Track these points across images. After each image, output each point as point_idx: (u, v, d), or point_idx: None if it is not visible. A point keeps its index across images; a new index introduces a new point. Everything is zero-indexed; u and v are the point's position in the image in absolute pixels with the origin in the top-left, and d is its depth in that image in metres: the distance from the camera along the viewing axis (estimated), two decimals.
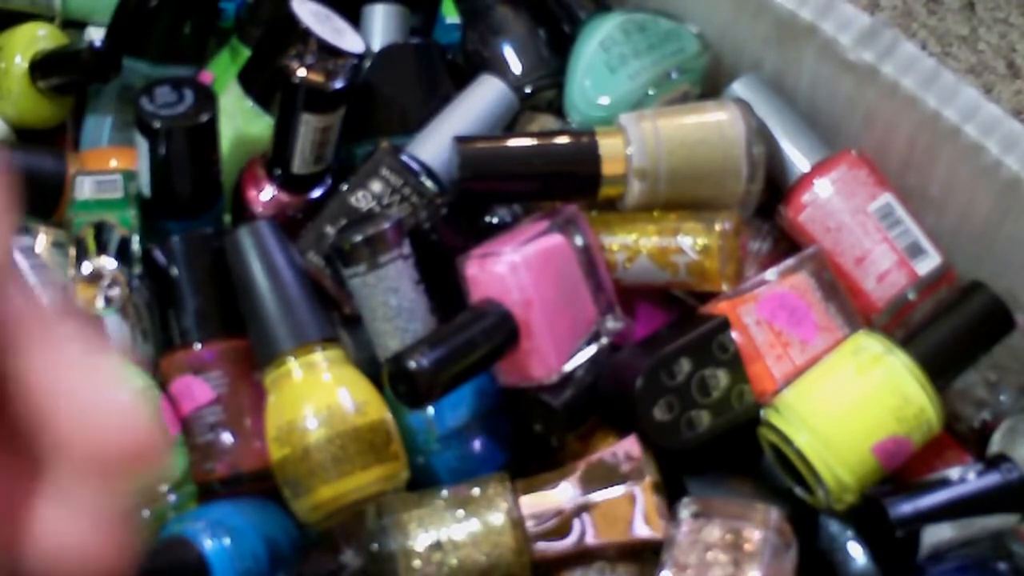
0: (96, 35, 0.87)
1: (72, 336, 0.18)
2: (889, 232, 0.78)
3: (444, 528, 0.70)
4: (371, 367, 0.75)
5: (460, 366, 0.69)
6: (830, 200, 0.78)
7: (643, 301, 0.81)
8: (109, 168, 0.82)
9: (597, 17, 0.86)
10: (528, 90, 0.84)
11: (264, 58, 0.83)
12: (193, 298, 0.75)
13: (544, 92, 0.85)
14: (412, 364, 0.67)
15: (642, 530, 0.70)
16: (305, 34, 0.78)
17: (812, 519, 0.75)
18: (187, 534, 0.69)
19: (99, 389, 0.18)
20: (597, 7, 0.88)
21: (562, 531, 0.71)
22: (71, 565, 0.18)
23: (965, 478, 0.72)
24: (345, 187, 0.78)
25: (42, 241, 0.76)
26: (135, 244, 0.76)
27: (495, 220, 0.80)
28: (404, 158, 0.78)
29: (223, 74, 0.87)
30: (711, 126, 0.78)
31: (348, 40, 0.80)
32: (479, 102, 0.82)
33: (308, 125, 0.77)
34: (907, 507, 0.71)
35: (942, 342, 0.74)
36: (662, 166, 0.77)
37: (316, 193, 0.81)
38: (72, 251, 0.75)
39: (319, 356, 0.72)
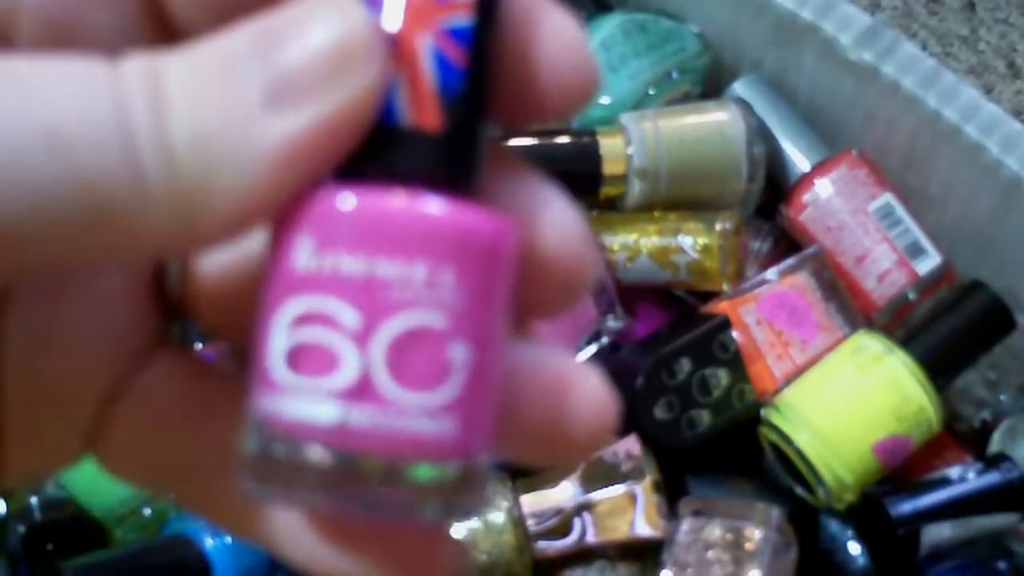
0: None
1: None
2: (889, 232, 0.78)
3: None
4: None
5: None
6: (830, 200, 0.79)
7: (644, 300, 0.81)
8: None
9: (597, 17, 0.86)
10: None
11: None
12: None
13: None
14: None
15: (642, 529, 0.70)
16: None
17: (812, 518, 0.75)
18: (188, 532, 0.69)
19: (561, 37, 0.21)
20: (597, 7, 0.88)
21: (563, 530, 0.71)
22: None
23: (965, 477, 0.72)
24: None
25: None
26: None
27: None
28: None
29: None
30: (711, 126, 0.78)
31: None
32: None
33: None
34: (907, 506, 0.72)
35: (942, 342, 0.75)
36: (663, 166, 0.77)
37: None
38: None
39: None
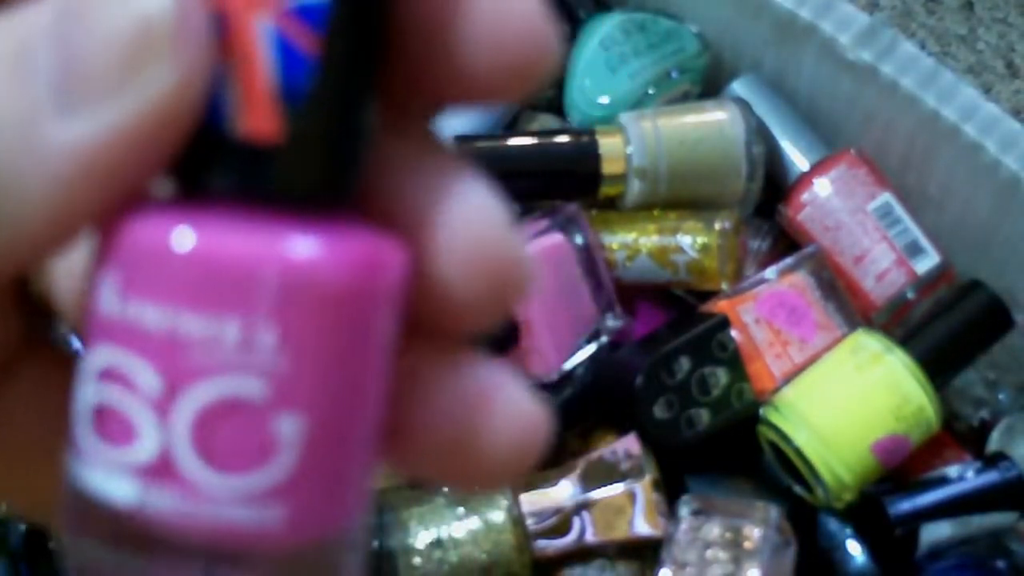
0: None
1: None
2: (888, 231, 0.78)
3: (444, 525, 0.70)
4: None
5: None
6: (829, 199, 0.79)
7: (643, 299, 0.81)
8: None
9: (597, 17, 0.86)
10: None
11: None
12: None
13: (544, 91, 0.86)
14: None
15: (642, 528, 0.71)
16: None
17: (811, 517, 0.75)
18: None
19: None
20: (597, 7, 0.88)
21: (562, 529, 0.71)
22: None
23: (964, 476, 0.72)
24: None
25: None
26: None
27: None
28: None
29: None
30: (711, 125, 0.78)
31: None
32: None
33: None
34: (906, 505, 0.72)
35: (941, 341, 0.75)
36: (662, 165, 0.77)
37: None
38: None
39: None
